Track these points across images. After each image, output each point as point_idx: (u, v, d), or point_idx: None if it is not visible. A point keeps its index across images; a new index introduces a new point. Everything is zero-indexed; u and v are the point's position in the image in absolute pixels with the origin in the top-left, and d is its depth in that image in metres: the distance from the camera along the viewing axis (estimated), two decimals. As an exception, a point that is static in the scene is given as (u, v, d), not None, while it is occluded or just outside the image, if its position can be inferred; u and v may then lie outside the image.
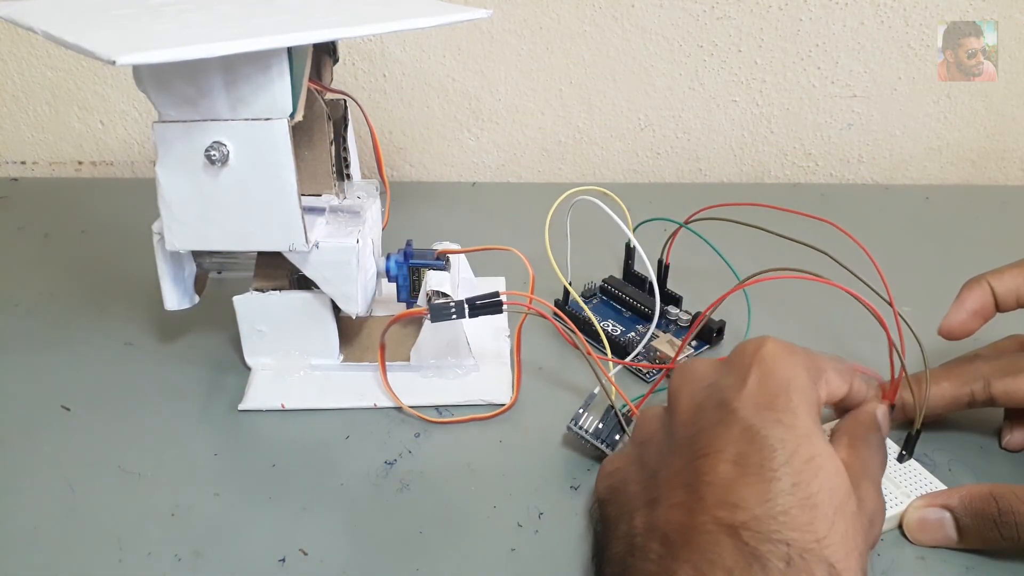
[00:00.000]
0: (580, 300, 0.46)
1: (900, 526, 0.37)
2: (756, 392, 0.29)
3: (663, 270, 0.50)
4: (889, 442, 0.39)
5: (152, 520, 0.37)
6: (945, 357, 0.43)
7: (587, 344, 0.41)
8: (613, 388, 0.40)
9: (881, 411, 0.35)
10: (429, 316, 0.40)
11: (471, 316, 0.40)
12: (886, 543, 0.36)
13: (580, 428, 0.39)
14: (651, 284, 0.51)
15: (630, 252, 0.51)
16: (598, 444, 0.39)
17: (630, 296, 0.50)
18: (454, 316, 0.40)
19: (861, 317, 0.36)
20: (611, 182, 0.71)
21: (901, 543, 0.36)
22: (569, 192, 0.44)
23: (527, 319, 0.45)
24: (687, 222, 0.47)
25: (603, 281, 0.52)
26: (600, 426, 0.39)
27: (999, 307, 0.40)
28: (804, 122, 0.69)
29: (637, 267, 0.52)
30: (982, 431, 0.42)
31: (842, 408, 0.36)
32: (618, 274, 0.52)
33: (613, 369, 0.42)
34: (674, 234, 0.48)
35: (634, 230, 0.50)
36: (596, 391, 0.40)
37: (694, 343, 0.47)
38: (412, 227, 0.52)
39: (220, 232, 0.40)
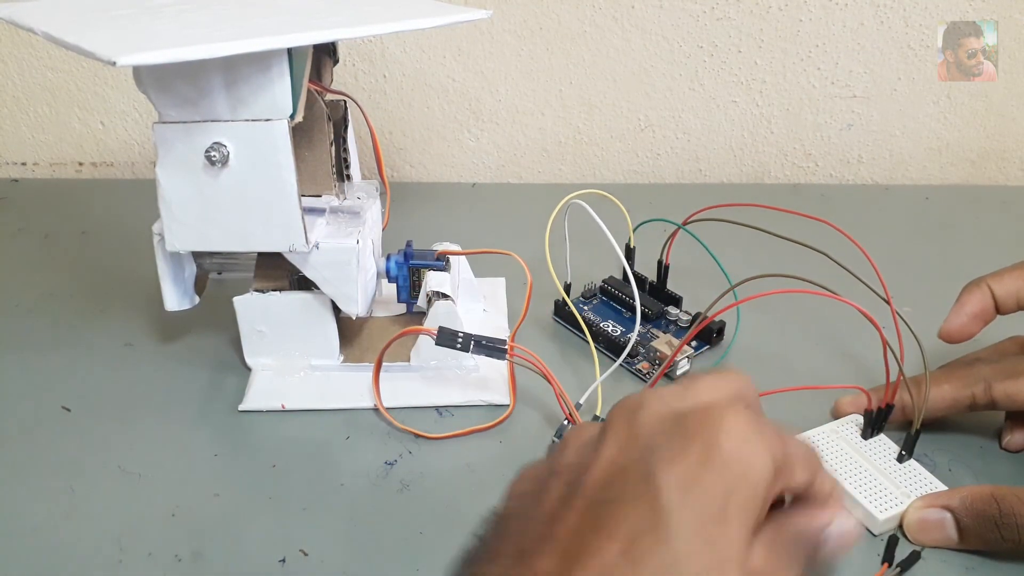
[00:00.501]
0: (574, 308, 0.46)
1: (900, 526, 0.37)
2: (691, 479, 0.23)
3: (663, 271, 0.50)
4: (889, 442, 0.39)
5: (152, 520, 0.37)
6: (945, 358, 0.43)
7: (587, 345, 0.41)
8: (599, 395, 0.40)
9: (841, 526, 0.27)
10: (436, 338, 0.40)
11: (473, 352, 0.40)
12: (886, 543, 0.36)
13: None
14: (650, 284, 0.51)
15: (630, 253, 0.51)
16: None
17: (630, 296, 0.50)
18: (458, 347, 0.40)
19: (858, 317, 0.36)
20: (611, 183, 0.71)
21: (901, 545, 0.36)
22: (569, 197, 0.44)
23: (527, 318, 0.45)
24: (685, 223, 0.47)
25: (603, 281, 0.52)
26: None
27: (999, 310, 0.40)
28: (804, 122, 0.69)
29: (615, 266, 0.52)
30: (982, 432, 0.42)
31: (799, 497, 0.28)
32: (618, 274, 0.52)
33: (601, 376, 0.42)
34: (673, 235, 0.48)
35: (634, 231, 0.50)
36: (582, 400, 0.40)
37: (694, 343, 0.47)
38: (412, 228, 0.52)
39: (220, 233, 0.40)
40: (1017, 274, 0.40)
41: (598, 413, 0.41)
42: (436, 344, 0.39)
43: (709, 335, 0.48)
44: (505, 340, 0.40)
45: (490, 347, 0.40)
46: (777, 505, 0.26)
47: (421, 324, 0.45)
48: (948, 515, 0.35)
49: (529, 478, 0.28)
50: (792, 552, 0.26)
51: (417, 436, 0.42)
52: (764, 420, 0.25)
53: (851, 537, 0.27)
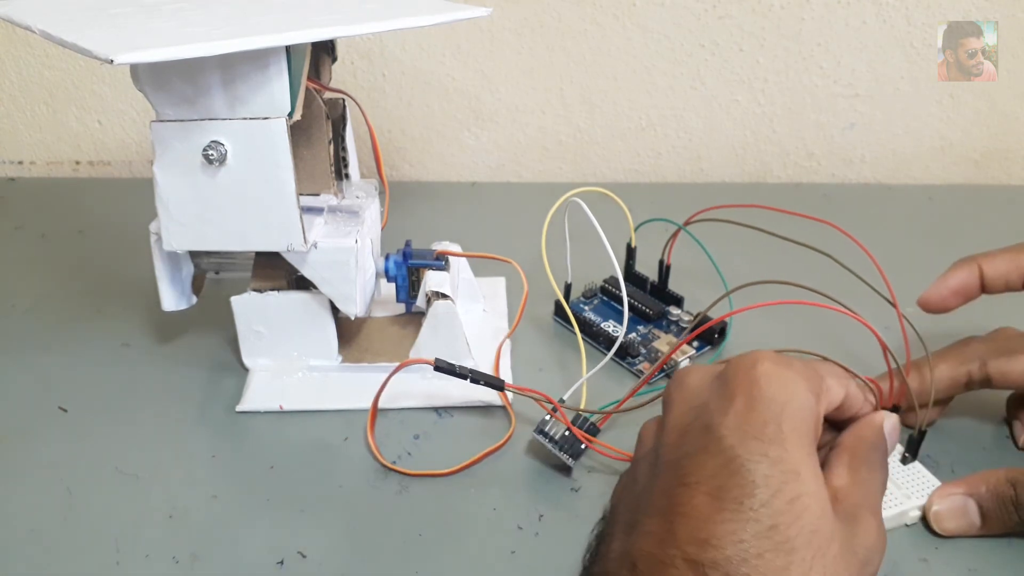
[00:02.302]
0: (568, 308, 0.46)
1: (905, 525, 0.37)
2: (744, 418, 0.27)
3: (664, 271, 0.50)
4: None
5: (149, 522, 0.37)
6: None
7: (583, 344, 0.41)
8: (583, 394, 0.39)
9: (890, 423, 0.33)
10: (434, 366, 0.39)
11: (471, 382, 0.39)
12: (888, 544, 0.36)
13: (544, 435, 0.39)
14: (651, 284, 0.51)
15: (631, 253, 0.50)
16: (559, 453, 0.38)
17: (630, 296, 0.50)
18: (456, 374, 0.39)
19: (857, 320, 0.36)
20: (612, 182, 0.70)
21: (901, 544, 0.36)
22: (568, 194, 0.43)
23: (528, 318, 0.45)
24: (687, 224, 0.47)
25: (604, 281, 0.51)
26: (567, 434, 0.39)
27: (986, 288, 0.40)
28: (806, 122, 0.68)
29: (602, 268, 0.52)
30: (986, 433, 0.42)
31: (838, 419, 0.33)
32: (619, 274, 0.52)
33: (587, 373, 0.41)
34: (674, 236, 0.48)
35: (635, 230, 0.50)
36: (565, 397, 0.40)
37: (695, 343, 0.47)
38: (411, 227, 0.52)
39: (218, 232, 0.40)
40: (1010, 256, 0.40)
41: (582, 408, 0.41)
42: (435, 370, 0.39)
43: (710, 335, 0.47)
44: (503, 381, 0.39)
45: (488, 384, 0.39)
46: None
47: (420, 324, 0.44)
48: (971, 500, 0.36)
49: (624, 475, 0.33)
50: (872, 460, 0.31)
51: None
52: (791, 359, 0.29)
53: (898, 428, 0.33)
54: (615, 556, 0.28)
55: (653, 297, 0.50)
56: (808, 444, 0.28)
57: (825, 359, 0.33)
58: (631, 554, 0.27)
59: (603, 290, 0.51)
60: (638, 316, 0.49)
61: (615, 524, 0.29)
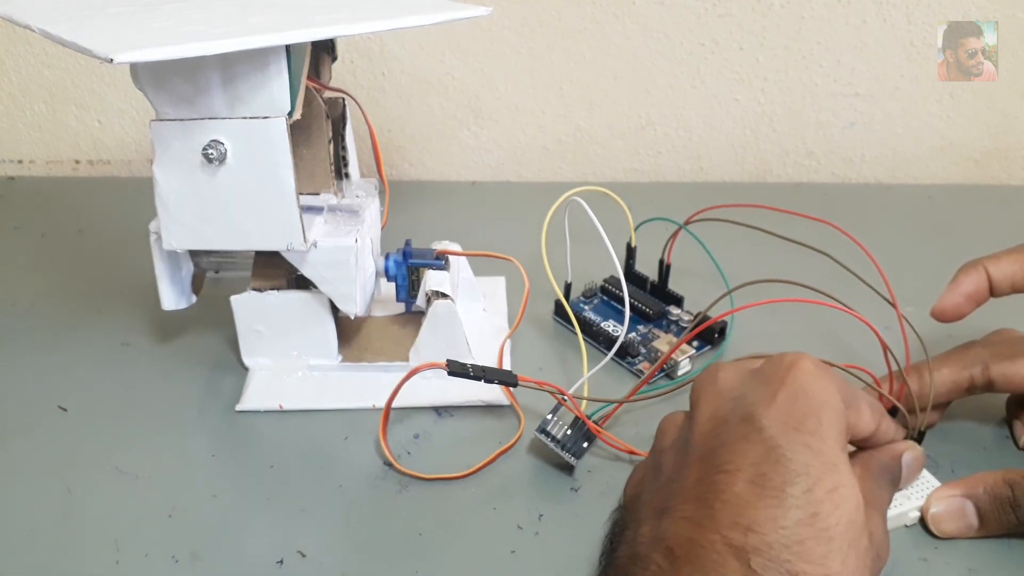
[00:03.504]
0: (568, 307, 0.46)
1: (904, 526, 0.37)
2: (786, 410, 0.28)
3: (664, 270, 0.50)
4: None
5: (149, 521, 0.37)
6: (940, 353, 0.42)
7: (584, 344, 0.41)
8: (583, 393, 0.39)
9: (912, 455, 0.34)
10: (447, 370, 0.39)
11: (485, 382, 0.39)
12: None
13: (546, 434, 0.39)
14: (651, 284, 0.51)
15: (631, 252, 0.50)
16: (561, 452, 0.38)
17: (630, 296, 0.50)
18: (470, 376, 0.39)
19: (858, 320, 0.36)
20: (612, 181, 0.70)
21: (901, 545, 0.36)
22: (568, 193, 0.43)
23: (529, 318, 0.45)
24: (687, 223, 0.47)
25: (604, 281, 0.51)
26: (569, 432, 0.39)
27: (993, 292, 0.40)
28: (806, 121, 0.68)
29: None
30: (986, 434, 0.42)
31: (863, 447, 0.34)
32: (620, 274, 0.52)
33: (589, 371, 0.41)
34: (674, 235, 0.48)
35: (635, 229, 0.50)
36: (567, 395, 0.40)
37: (695, 343, 0.47)
38: (411, 226, 0.52)
39: (217, 231, 0.40)
40: (1014, 257, 0.40)
41: (583, 408, 0.41)
42: (448, 375, 0.38)
43: (711, 335, 0.47)
44: (515, 375, 0.39)
45: (501, 380, 0.39)
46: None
47: (420, 323, 0.44)
48: (968, 502, 0.36)
49: (640, 468, 0.33)
50: (880, 479, 0.32)
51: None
52: (832, 369, 0.30)
53: (921, 462, 0.35)
54: (646, 540, 0.28)
55: (653, 297, 0.50)
56: (843, 443, 0.29)
57: (868, 386, 0.35)
58: (665, 539, 0.27)
59: (603, 290, 0.51)
60: (638, 315, 0.49)
61: (640, 511, 0.30)
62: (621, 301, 0.50)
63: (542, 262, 0.44)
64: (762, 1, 0.63)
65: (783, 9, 0.64)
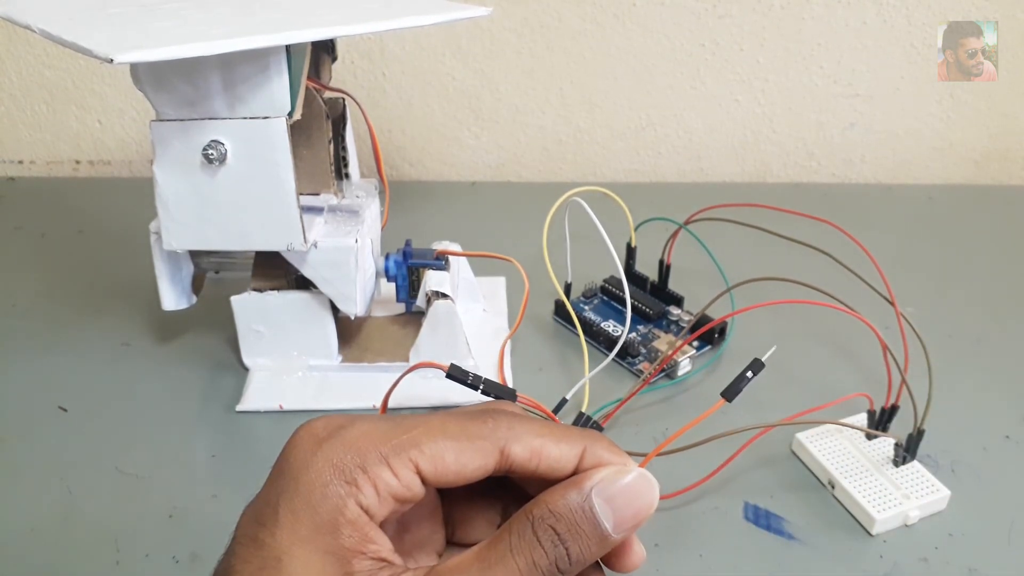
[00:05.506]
0: (571, 308, 0.46)
1: (905, 525, 0.37)
2: (258, 497, 0.24)
3: (664, 270, 0.50)
4: (892, 443, 0.39)
5: (150, 522, 0.37)
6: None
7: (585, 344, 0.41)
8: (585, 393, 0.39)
9: (613, 486, 0.23)
10: (447, 373, 0.39)
11: (482, 392, 0.39)
12: (888, 544, 0.36)
13: None
14: (652, 284, 0.51)
15: (631, 252, 0.50)
16: None
17: (631, 296, 0.50)
18: (468, 384, 0.38)
19: (858, 320, 0.36)
20: (612, 182, 0.70)
21: (901, 545, 0.36)
22: (569, 193, 0.43)
23: (528, 318, 0.45)
24: (687, 223, 0.47)
25: (604, 281, 0.51)
26: None
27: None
28: (806, 121, 0.68)
29: (617, 265, 0.52)
30: (985, 433, 0.42)
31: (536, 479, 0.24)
32: (620, 274, 0.52)
33: (590, 372, 0.41)
34: (674, 235, 0.48)
35: (635, 230, 0.50)
36: (568, 396, 0.40)
37: (696, 344, 0.47)
38: (411, 227, 0.52)
39: (218, 232, 0.40)
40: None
41: (583, 410, 0.41)
42: (447, 377, 0.38)
43: (711, 335, 0.47)
44: (515, 392, 0.39)
45: (499, 394, 0.39)
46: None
47: (420, 323, 0.44)
48: None
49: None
50: (515, 540, 0.22)
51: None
52: (343, 425, 0.23)
53: (645, 492, 0.23)
54: None
55: (653, 297, 0.50)
56: (310, 528, 0.22)
57: (504, 406, 0.26)
58: None
59: (603, 290, 0.51)
60: (638, 315, 0.49)
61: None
62: (621, 301, 0.51)
63: (543, 262, 0.44)
64: (762, 2, 0.63)
65: (783, 10, 0.64)
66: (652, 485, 0.24)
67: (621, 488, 0.23)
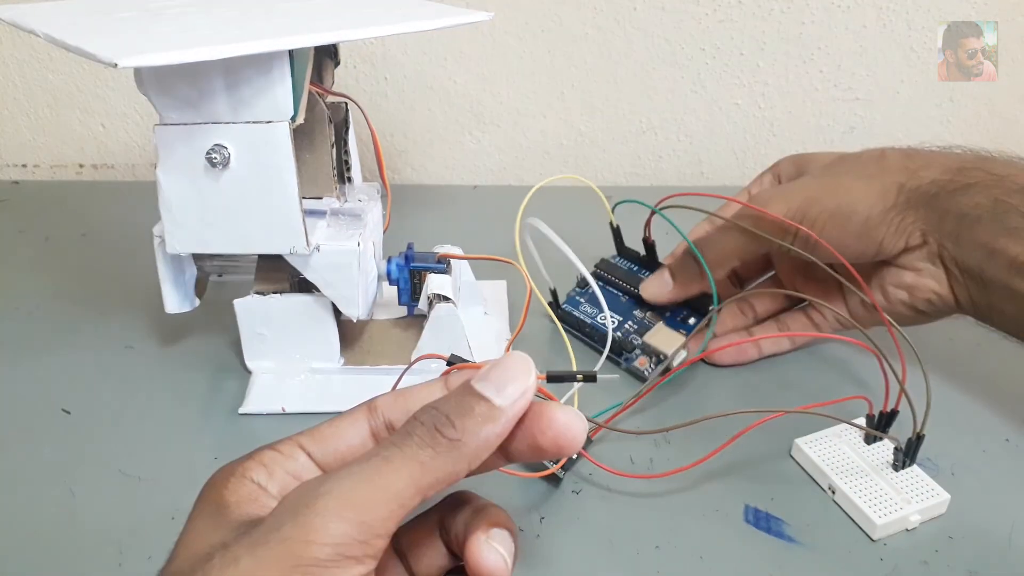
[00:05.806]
0: (556, 320, 0.45)
1: (905, 530, 0.37)
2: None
3: (649, 248, 0.49)
4: (892, 447, 0.39)
5: (152, 524, 0.37)
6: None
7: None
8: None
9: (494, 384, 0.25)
10: (447, 361, 0.39)
11: None
12: (888, 548, 0.36)
13: None
14: (640, 257, 0.50)
15: (617, 232, 0.50)
16: (549, 464, 0.38)
17: (622, 279, 0.49)
18: None
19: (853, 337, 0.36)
20: (612, 185, 0.71)
21: (902, 548, 0.36)
22: (534, 189, 0.43)
23: (527, 320, 0.45)
24: (659, 205, 0.45)
25: (595, 267, 0.51)
26: None
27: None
28: (807, 125, 0.69)
29: (605, 247, 0.51)
30: (986, 436, 0.42)
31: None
32: (607, 255, 0.51)
33: (577, 385, 0.41)
34: (649, 218, 0.47)
35: (612, 210, 0.48)
36: (562, 401, 0.40)
37: (686, 325, 0.46)
38: (413, 230, 0.52)
39: (221, 235, 0.40)
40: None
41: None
42: (448, 366, 0.38)
43: (704, 308, 0.46)
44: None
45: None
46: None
47: (422, 326, 0.44)
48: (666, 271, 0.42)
49: None
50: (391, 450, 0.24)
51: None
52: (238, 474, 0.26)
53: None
54: None
55: (647, 272, 0.49)
56: (213, 514, 0.26)
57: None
58: None
59: (595, 275, 0.50)
60: (634, 298, 0.48)
61: None
62: (615, 285, 0.50)
63: (535, 264, 0.44)
64: (762, 6, 0.64)
65: (783, 14, 0.64)
66: (523, 359, 0.26)
67: (493, 367, 0.25)
